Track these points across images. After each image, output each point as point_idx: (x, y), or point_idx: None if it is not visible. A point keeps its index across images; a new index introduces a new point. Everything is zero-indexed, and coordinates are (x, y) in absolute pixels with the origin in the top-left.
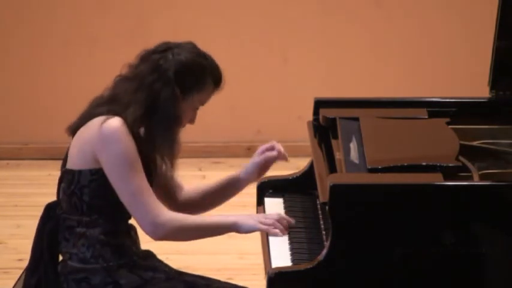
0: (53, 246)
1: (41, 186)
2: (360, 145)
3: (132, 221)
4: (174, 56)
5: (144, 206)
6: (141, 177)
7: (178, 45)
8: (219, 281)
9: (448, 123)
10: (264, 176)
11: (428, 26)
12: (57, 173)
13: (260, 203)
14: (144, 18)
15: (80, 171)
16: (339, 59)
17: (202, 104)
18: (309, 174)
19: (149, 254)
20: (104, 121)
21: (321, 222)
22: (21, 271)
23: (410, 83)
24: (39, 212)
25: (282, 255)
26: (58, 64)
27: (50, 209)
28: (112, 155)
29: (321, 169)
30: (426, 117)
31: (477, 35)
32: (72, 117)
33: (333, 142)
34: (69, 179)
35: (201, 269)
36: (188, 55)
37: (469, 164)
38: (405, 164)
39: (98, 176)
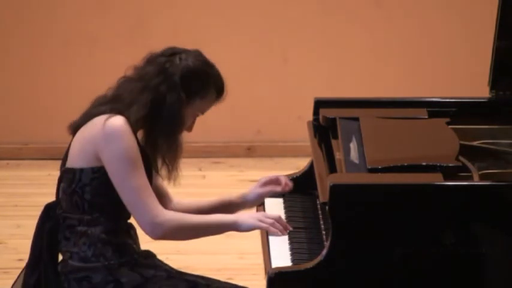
0: (53, 245)
1: (41, 186)
2: (360, 145)
3: (131, 220)
4: (181, 61)
5: (143, 205)
6: (141, 176)
7: (185, 51)
8: (219, 281)
9: (448, 123)
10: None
11: (428, 26)
12: (57, 173)
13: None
14: (144, 18)
15: (81, 170)
16: (339, 59)
17: (202, 112)
18: (309, 174)
19: (149, 254)
20: (107, 119)
21: (321, 222)
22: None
23: (410, 83)
24: (39, 212)
25: (282, 255)
26: (58, 64)
27: (49, 209)
28: (114, 152)
29: (321, 169)
30: (426, 117)
31: (477, 35)
32: (72, 117)
33: (333, 142)
34: (69, 178)
35: (201, 269)
36: (195, 61)
37: (469, 164)
38: (405, 164)
39: (99, 174)
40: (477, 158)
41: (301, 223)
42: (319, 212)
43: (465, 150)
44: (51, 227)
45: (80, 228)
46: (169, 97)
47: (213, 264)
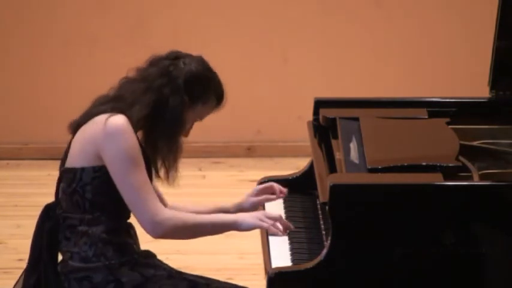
0: (53, 245)
1: (41, 186)
2: (360, 145)
3: (131, 220)
4: (185, 65)
5: (143, 203)
6: (142, 175)
7: (188, 56)
8: (218, 281)
9: (448, 123)
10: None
11: (428, 26)
12: (57, 173)
13: None
14: (144, 18)
15: (82, 169)
16: (339, 59)
17: (201, 118)
18: (309, 174)
19: (149, 254)
20: (108, 118)
21: (321, 222)
22: (21, 271)
23: (410, 83)
24: (39, 212)
25: (282, 255)
26: (58, 64)
27: (49, 209)
28: (115, 150)
29: (321, 169)
30: (426, 117)
31: (477, 35)
32: (72, 117)
33: (333, 142)
34: (69, 178)
35: (201, 269)
36: (198, 67)
37: (469, 164)
38: (405, 164)
39: (101, 173)
40: (477, 158)
41: (301, 223)
42: (319, 212)
43: (465, 150)
44: (51, 227)
45: (81, 227)
46: (173, 100)
47: (213, 264)
